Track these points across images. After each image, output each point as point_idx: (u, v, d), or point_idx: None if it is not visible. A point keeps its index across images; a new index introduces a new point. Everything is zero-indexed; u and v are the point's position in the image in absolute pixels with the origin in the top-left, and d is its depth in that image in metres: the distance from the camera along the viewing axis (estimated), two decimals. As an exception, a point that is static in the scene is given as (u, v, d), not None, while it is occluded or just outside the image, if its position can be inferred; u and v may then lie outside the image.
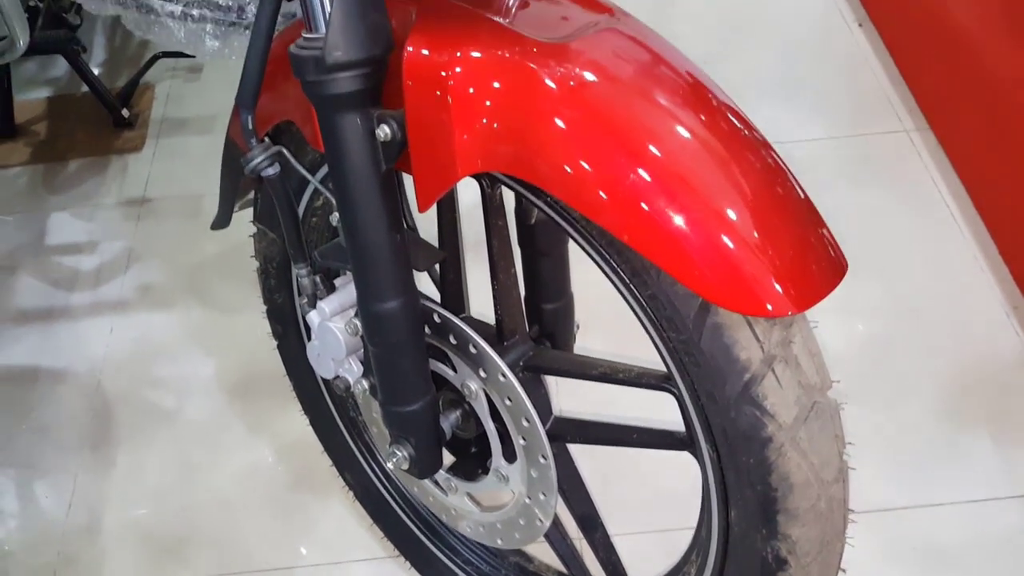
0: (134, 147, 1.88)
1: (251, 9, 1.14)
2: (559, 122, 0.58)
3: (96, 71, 2.05)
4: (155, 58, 1.95)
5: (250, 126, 0.74)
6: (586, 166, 0.58)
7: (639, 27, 0.67)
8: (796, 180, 0.64)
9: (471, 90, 0.61)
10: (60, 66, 2.08)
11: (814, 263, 0.59)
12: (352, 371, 0.84)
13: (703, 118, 0.62)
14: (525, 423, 0.78)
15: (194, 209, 1.75)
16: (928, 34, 1.82)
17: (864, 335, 1.46)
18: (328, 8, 0.61)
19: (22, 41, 1.19)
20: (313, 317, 0.83)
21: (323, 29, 0.62)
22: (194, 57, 1.66)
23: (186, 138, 1.90)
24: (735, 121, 0.63)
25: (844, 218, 1.62)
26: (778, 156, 0.64)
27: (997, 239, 1.59)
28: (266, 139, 0.77)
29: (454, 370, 0.82)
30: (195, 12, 1.12)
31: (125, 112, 1.90)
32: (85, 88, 1.91)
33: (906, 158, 1.74)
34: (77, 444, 1.40)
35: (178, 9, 1.11)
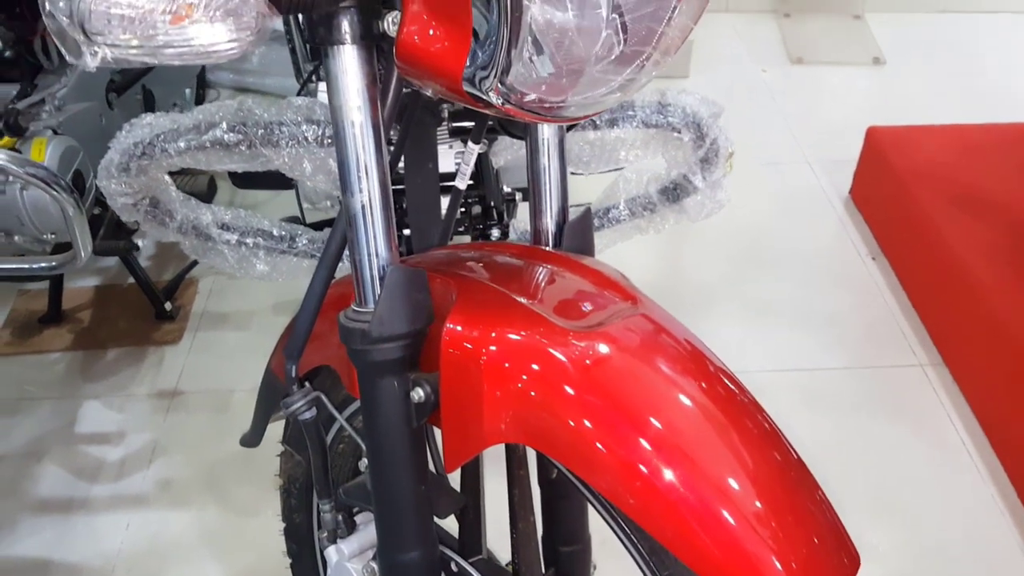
0: (172, 339, 1.95)
1: (301, 240, 1.23)
2: (579, 406, 0.63)
3: (145, 263, 2.17)
4: (202, 255, 2.06)
5: (293, 375, 0.79)
6: (602, 450, 0.62)
7: (658, 312, 0.72)
8: (790, 444, 0.67)
9: (503, 367, 0.66)
10: (111, 257, 2.20)
11: (826, 555, 0.61)
12: (366, 612, 0.85)
13: (715, 400, 0.66)
14: None
15: (223, 404, 1.80)
16: (938, 271, 1.90)
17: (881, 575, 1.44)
18: (378, 289, 0.68)
19: (84, 254, 1.29)
20: (331, 554, 0.85)
21: (372, 305, 0.68)
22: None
23: (223, 333, 1.98)
24: (733, 387, 0.68)
25: (860, 452, 1.65)
26: (772, 420, 0.68)
27: (1014, 479, 1.58)
28: (306, 384, 0.82)
29: (467, 619, 0.83)
30: (249, 241, 1.21)
31: (168, 305, 1.99)
32: (132, 279, 2.01)
33: (921, 393, 1.77)
34: (78, 648, 1.38)
35: (234, 238, 1.20)
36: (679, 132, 1.06)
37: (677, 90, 2.28)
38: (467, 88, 0.58)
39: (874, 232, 2.18)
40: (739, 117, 2.65)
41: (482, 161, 1.25)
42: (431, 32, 0.57)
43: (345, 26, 0.61)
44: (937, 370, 1.82)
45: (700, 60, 2.79)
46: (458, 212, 1.39)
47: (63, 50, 0.48)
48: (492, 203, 1.33)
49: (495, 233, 1.37)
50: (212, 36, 0.49)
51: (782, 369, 1.82)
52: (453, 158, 1.31)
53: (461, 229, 1.48)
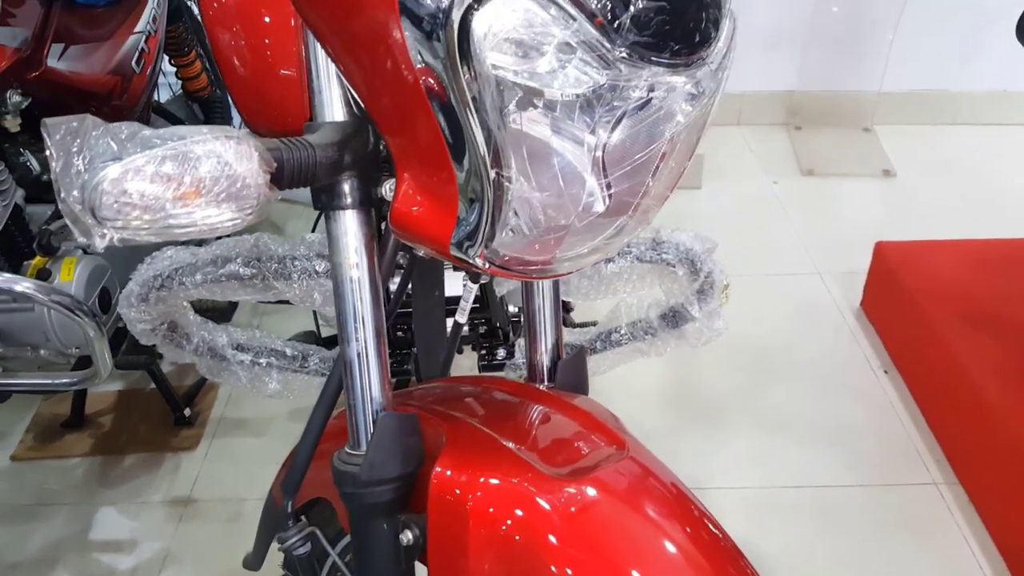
0: (189, 446, 1.98)
1: (313, 360, 1.27)
2: (561, 555, 0.65)
3: (167, 367, 2.21)
4: (222, 361, 2.11)
5: (290, 510, 0.82)
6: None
7: (645, 456, 0.74)
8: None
9: (488, 511, 0.68)
10: (135, 362, 2.25)
11: None
12: None
13: (699, 547, 0.68)
14: None
15: (235, 513, 1.81)
16: (950, 387, 1.89)
17: None
18: (370, 432, 0.71)
19: (105, 371, 1.34)
20: None
21: (364, 448, 0.71)
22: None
23: (239, 439, 2.01)
24: (716, 533, 0.70)
25: (872, 573, 1.62)
26: (752, 567, 0.69)
27: (1035, 608, 1.55)
28: (302, 518, 0.84)
29: None
30: (263, 361, 1.25)
31: (187, 411, 2.03)
32: (154, 384, 2.06)
33: (936, 512, 1.74)
34: None
35: (248, 358, 1.25)
36: (674, 267, 1.10)
37: (687, 200, 2.33)
38: (455, 253, 0.63)
39: (886, 345, 2.18)
40: (750, 227, 2.71)
41: (485, 288, 1.30)
42: (420, 207, 0.62)
43: (346, 193, 0.66)
44: (952, 489, 1.80)
45: (712, 171, 2.87)
46: (465, 330, 1.44)
47: (74, 230, 0.53)
48: (497, 324, 1.36)
49: (501, 352, 1.40)
50: (217, 217, 0.54)
51: (793, 485, 1.80)
52: (461, 280, 1.36)
53: (469, 345, 1.51)
